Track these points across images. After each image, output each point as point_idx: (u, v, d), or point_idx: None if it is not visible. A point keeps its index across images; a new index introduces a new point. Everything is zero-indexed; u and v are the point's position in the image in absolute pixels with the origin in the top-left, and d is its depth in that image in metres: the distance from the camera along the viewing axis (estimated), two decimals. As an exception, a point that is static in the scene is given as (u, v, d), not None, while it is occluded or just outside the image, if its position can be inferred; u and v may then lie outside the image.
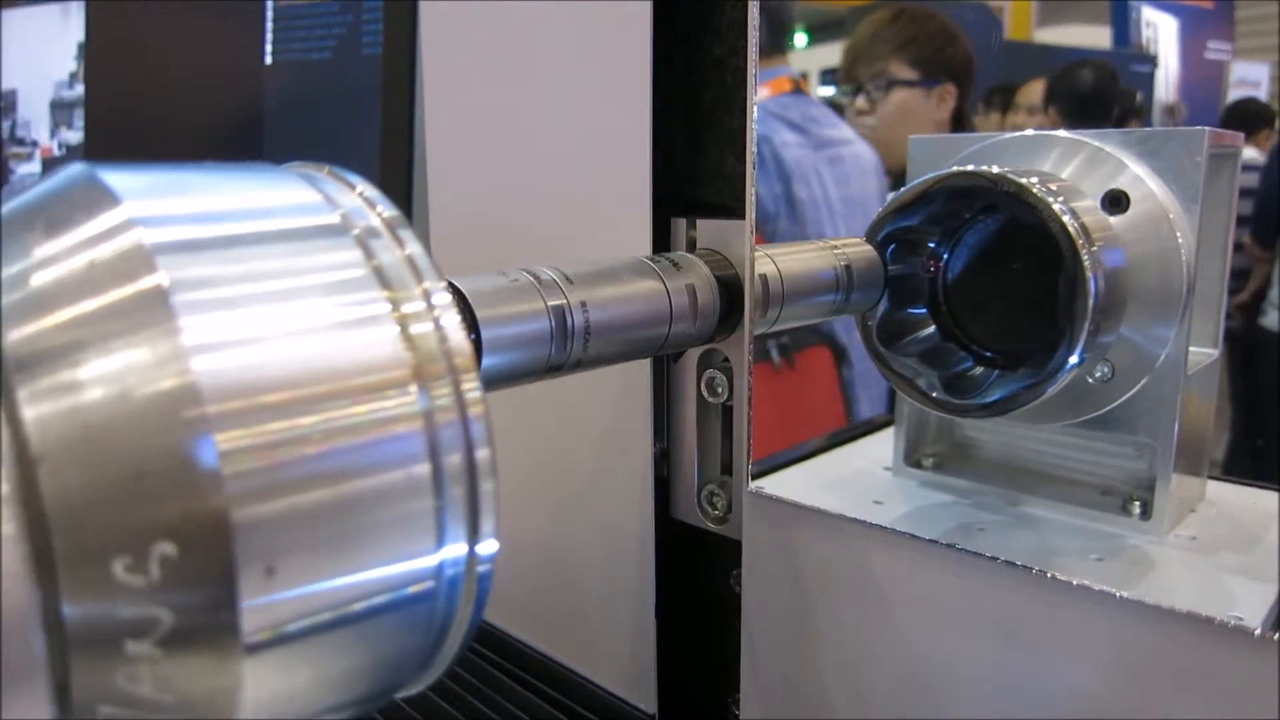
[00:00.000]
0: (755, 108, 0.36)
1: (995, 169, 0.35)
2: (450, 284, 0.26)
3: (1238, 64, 1.28)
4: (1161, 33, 1.31)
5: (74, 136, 1.37)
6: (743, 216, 0.37)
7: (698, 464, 0.42)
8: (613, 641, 0.45)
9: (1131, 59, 1.28)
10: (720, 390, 0.40)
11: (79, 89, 1.31)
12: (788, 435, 0.51)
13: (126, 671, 0.13)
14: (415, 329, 0.16)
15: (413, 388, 0.15)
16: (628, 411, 0.42)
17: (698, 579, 0.43)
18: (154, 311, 0.14)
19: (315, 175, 0.18)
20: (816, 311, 0.38)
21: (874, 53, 1.03)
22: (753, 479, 0.39)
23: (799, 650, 0.38)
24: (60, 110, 1.40)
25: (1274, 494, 0.41)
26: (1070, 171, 0.38)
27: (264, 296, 0.15)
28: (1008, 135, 0.40)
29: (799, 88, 0.94)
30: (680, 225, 0.40)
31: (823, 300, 0.37)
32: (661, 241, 0.40)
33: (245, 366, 0.14)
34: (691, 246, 0.39)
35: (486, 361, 0.26)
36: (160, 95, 0.95)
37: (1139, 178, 0.36)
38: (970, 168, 0.36)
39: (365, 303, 0.16)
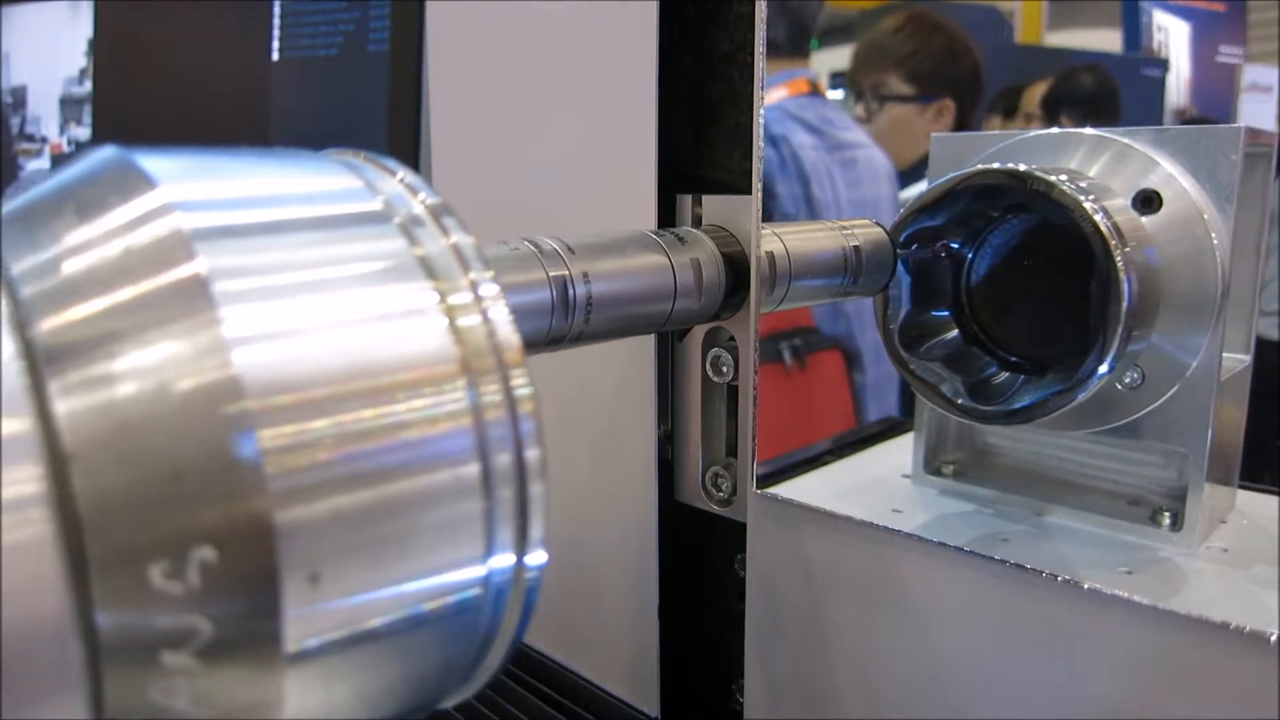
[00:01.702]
0: (762, 103, 0.35)
1: (1022, 166, 0.34)
2: None
3: (1250, 68, 1.27)
4: (1173, 36, 1.30)
5: (84, 133, 1.37)
6: (749, 192, 0.36)
7: (702, 445, 0.41)
8: (614, 632, 0.44)
9: (1143, 63, 1.28)
10: (725, 370, 0.39)
11: (89, 85, 1.30)
12: (797, 438, 0.50)
13: (162, 684, 0.12)
14: (463, 321, 0.15)
15: (461, 383, 0.15)
16: (631, 392, 0.41)
17: (701, 563, 0.42)
18: (193, 301, 0.13)
19: (353, 161, 0.17)
20: (824, 292, 0.37)
21: (874, 63, 1.02)
22: (765, 484, 0.38)
23: (814, 662, 0.37)
24: (70, 106, 1.39)
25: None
26: (1097, 170, 0.37)
27: (307, 286, 0.14)
28: (1032, 133, 0.39)
29: (816, 89, 0.93)
30: (686, 201, 0.39)
31: (830, 281, 0.36)
32: (666, 218, 0.40)
33: (288, 360, 0.13)
34: (697, 223, 0.38)
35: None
36: (167, 91, 0.94)
37: (1171, 176, 0.35)
38: (996, 165, 0.35)
39: (411, 293, 0.15)
